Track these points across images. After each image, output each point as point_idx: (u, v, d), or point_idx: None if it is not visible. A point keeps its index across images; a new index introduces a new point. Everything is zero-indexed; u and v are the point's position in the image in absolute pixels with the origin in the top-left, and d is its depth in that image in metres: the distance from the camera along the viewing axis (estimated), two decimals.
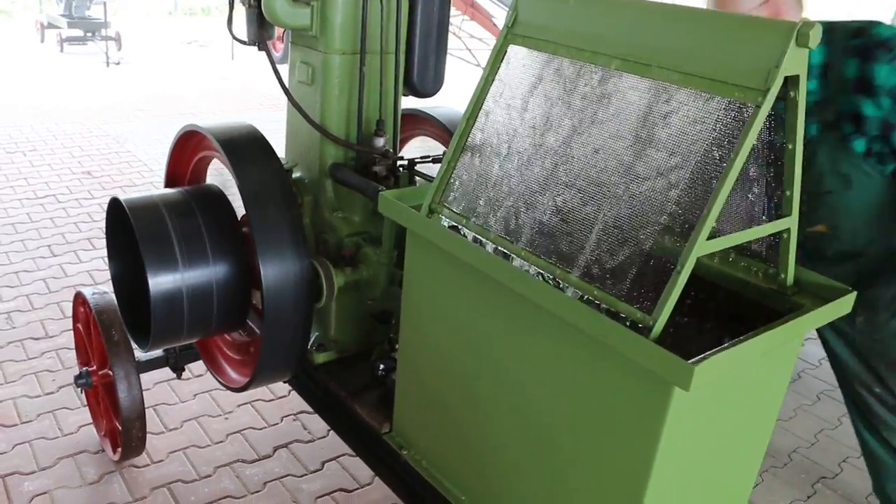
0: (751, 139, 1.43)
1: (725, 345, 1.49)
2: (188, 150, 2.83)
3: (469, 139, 2.02)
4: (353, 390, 2.63)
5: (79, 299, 3.26)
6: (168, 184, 2.98)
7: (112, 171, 7.33)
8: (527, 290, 1.69)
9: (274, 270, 2.35)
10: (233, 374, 2.90)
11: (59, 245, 5.54)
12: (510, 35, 1.97)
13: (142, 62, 13.40)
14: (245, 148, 2.46)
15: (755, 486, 3.45)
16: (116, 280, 2.79)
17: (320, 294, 2.55)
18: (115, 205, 2.57)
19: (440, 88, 2.90)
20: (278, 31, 2.75)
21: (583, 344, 1.63)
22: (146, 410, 3.65)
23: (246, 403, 3.83)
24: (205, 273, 2.46)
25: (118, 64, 12.86)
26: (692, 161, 1.53)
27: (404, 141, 3.40)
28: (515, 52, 1.95)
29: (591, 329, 1.55)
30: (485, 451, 2.02)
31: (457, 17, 10.81)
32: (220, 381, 2.90)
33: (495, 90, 1.98)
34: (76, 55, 13.70)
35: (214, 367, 2.98)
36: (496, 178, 1.92)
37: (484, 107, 1.99)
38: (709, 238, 1.49)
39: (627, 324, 1.53)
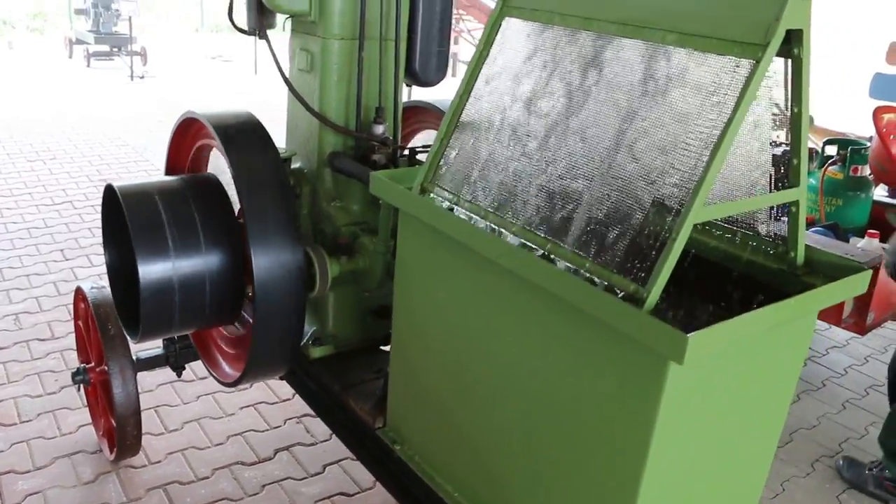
0: (748, 98, 1.34)
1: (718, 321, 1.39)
2: (188, 137, 2.79)
3: (462, 116, 1.95)
4: (347, 384, 2.55)
5: (79, 295, 3.22)
6: (168, 172, 2.94)
7: (129, 180, 7.34)
8: (516, 265, 1.60)
9: (266, 259, 2.28)
10: (227, 369, 2.84)
11: (71, 249, 5.55)
12: (506, 7, 1.90)
13: (166, 76, 13.56)
14: (241, 135, 2.40)
15: (776, 496, 3.34)
16: (111, 270, 2.74)
17: (314, 283, 2.47)
18: (110, 192, 2.52)
19: (443, 77, 2.84)
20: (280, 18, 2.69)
21: (575, 321, 1.53)
22: (147, 412, 3.64)
23: (249, 406, 3.77)
24: (197, 262, 2.40)
25: (142, 78, 13.01)
26: (690, 125, 1.44)
27: (410, 134, 3.34)
28: (510, 25, 1.89)
29: (582, 302, 1.46)
30: (478, 444, 1.93)
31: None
32: (213, 375, 2.83)
33: (489, 65, 1.91)
34: (102, 70, 13.91)
35: (209, 361, 2.91)
36: (489, 154, 1.85)
37: (477, 83, 1.92)
38: (705, 205, 1.39)
39: (620, 296, 1.43)
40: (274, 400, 3.83)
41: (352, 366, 2.68)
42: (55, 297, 4.79)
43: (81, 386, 3.27)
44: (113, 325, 2.90)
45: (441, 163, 1.96)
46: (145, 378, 3.75)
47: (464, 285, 1.88)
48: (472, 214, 1.83)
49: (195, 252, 2.39)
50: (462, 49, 14.52)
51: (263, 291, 2.30)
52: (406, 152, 2.69)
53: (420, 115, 3.22)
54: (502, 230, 1.73)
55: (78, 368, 3.16)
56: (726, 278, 1.81)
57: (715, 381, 1.52)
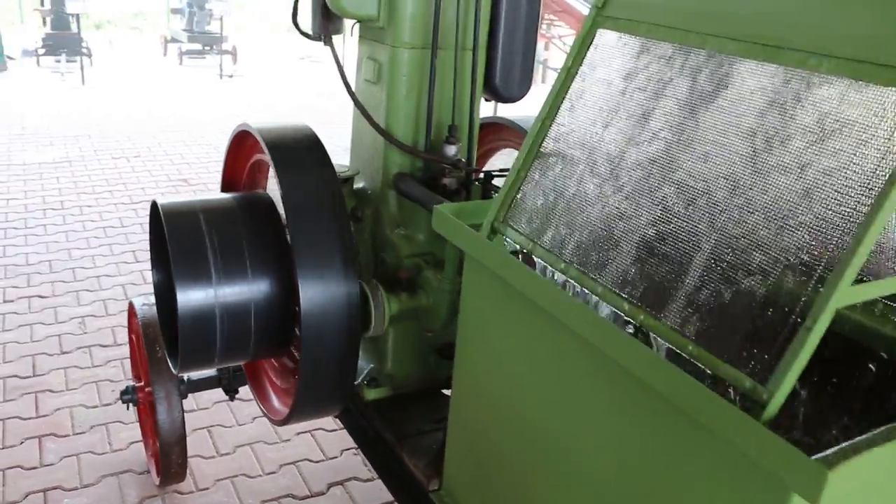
0: None
1: (871, 434, 1.05)
2: (243, 152, 2.58)
3: (544, 144, 1.66)
4: (402, 434, 2.29)
5: (132, 310, 3.06)
6: (224, 188, 2.74)
7: (208, 179, 7.32)
8: (603, 342, 1.30)
9: (315, 291, 2.04)
10: (276, 404, 2.61)
11: (143, 251, 5.48)
12: (599, 17, 1.59)
13: (254, 75, 13.67)
14: (294, 151, 2.17)
15: None
16: (159, 291, 2.55)
17: (369, 322, 2.21)
18: (155, 209, 2.32)
19: (527, 92, 2.55)
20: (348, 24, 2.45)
21: (671, 416, 1.22)
22: (200, 432, 3.48)
23: (306, 432, 3.56)
24: (242, 290, 2.18)
25: (231, 77, 13.14)
26: (835, 175, 1.10)
27: (486, 154, 3.07)
28: (604, 38, 1.58)
29: (681, 399, 1.15)
30: None
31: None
32: (262, 411, 2.61)
33: (578, 85, 1.61)
34: (194, 68, 14.16)
35: (259, 393, 2.69)
36: (574, 192, 1.55)
37: (564, 105, 1.63)
38: (854, 282, 1.06)
39: (732, 394, 1.11)
40: (332, 427, 3.61)
41: (410, 412, 2.43)
42: (122, 301, 4.72)
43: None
44: (161, 347, 2.72)
45: (517, 198, 1.67)
46: (202, 395, 3.59)
47: (536, 346, 1.59)
48: (549, 265, 1.53)
49: (240, 278, 2.17)
50: (552, 55, 14.06)
51: (311, 327, 2.07)
52: (482, 175, 2.43)
53: (499, 133, 2.94)
54: (585, 289, 1.42)
55: (126, 388, 3.02)
56: (862, 358, 1.45)
57: None
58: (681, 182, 1.33)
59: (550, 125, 1.65)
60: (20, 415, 3.50)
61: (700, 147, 1.32)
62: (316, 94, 12.10)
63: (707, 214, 1.26)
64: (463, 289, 1.83)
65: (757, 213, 1.19)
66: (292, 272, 2.19)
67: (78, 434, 3.42)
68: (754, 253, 1.18)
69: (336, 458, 3.39)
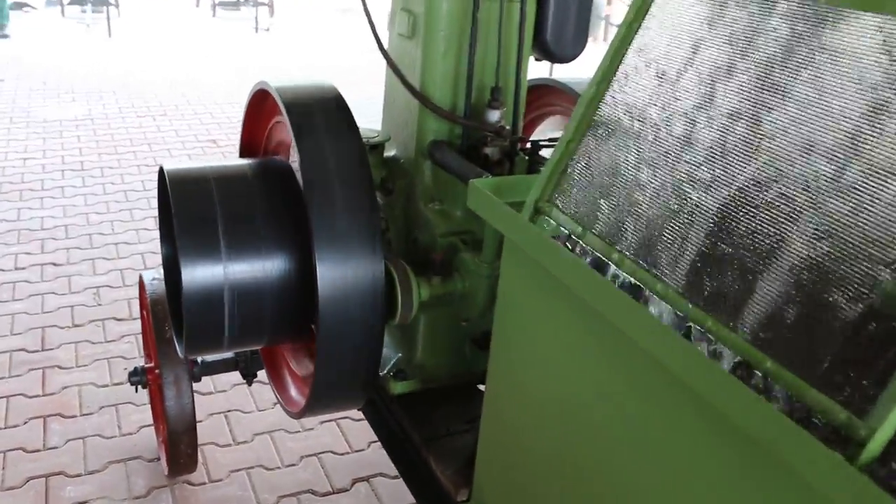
0: None
1: None
2: (263, 113, 2.49)
3: (600, 111, 1.52)
4: (430, 435, 2.20)
5: (142, 284, 3.00)
6: (243, 153, 2.65)
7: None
8: (664, 354, 1.16)
9: (333, 272, 1.95)
10: (294, 394, 2.53)
11: None
12: None
13: (291, 30, 13.60)
14: (316, 113, 2.07)
15: None
16: (168, 267, 2.47)
17: (395, 308, 2.10)
18: (162, 175, 2.24)
19: (582, 51, 2.41)
20: None
21: (742, 447, 1.08)
22: (217, 417, 3.45)
23: (330, 421, 3.50)
24: (256, 267, 2.09)
25: (267, 30, 13.11)
26: None
27: (535, 120, 2.96)
28: None
29: (751, 424, 1.00)
30: None
31: None
32: (279, 400, 2.53)
33: (640, 43, 1.46)
34: (227, 20, 14.16)
35: (276, 381, 2.61)
36: (635, 170, 1.40)
37: (623, 66, 1.48)
38: None
39: (820, 427, 0.97)
40: (360, 416, 3.52)
41: (440, 409, 2.35)
42: (140, 271, 4.69)
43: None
44: (171, 327, 2.65)
45: (566, 174, 1.54)
46: (220, 377, 3.54)
47: (583, 346, 1.46)
48: (600, 255, 1.39)
49: (253, 253, 2.08)
50: (615, 10, 13.71)
51: (329, 311, 1.98)
52: (528, 145, 2.33)
53: (550, 96, 2.81)
54: (643, 286, 1.28)
55: (135, 368, 2.97)
56: None
57: None
58: (769, 163, 1.17)
59: (607, 89, 1.51)
60: (25, 392, 3.50)
61: (788, 123, 1.16)
62: (361, 52, 11.99)
63: (803, 204, 1.11)
64: (501, 276, 1.71)
65: (865, 204, 1.03)
66: (312, 249, 2.10)
67: (86, 415, 3.41)
68: (858, 255, 1.02)
69: (362, 450, 3.33)
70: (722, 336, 1.13)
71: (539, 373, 1.64)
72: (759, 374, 1.06)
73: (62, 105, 8.05)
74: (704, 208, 1.24)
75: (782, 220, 1.11)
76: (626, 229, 1.37)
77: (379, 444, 3.34)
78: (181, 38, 12.31)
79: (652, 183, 1.36)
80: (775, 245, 1.11)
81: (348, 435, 3.41)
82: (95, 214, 5.45)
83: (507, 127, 2.30)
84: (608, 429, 1.44)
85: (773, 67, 1.20)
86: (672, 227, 1.29)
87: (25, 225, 5.20)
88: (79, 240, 5.05)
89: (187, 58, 10.87)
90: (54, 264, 4.71)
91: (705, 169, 1.27)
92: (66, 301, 4.30)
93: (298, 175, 2.14)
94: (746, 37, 1.26)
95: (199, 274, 2.02)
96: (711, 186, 1.24)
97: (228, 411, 3.50)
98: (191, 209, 2.06)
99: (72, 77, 9.31)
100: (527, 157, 2.31)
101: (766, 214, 1.13)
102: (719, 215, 1.21)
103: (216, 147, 7.09)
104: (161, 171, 2.21)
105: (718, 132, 1.26)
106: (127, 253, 4.94)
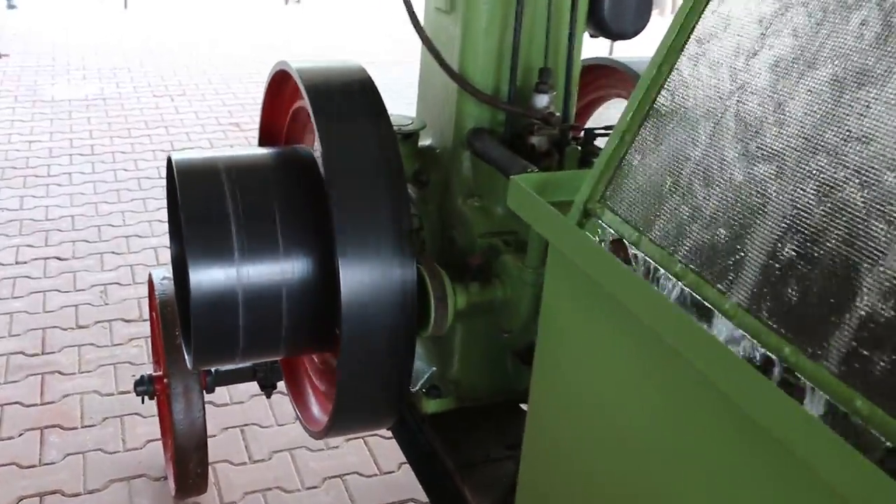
0: None
1: None
2: (284, 96, 2.53)
3: (661, 98, 1.49)
4: (465, 461, 2.21)
5: (151, 283, 3.02)
6: (262, 140, 2.67)
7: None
8: (735, 389, 1.11)
9: (358, 274, 1.97)
10: (316, 411, 2.53)
11: None
12: None
13: (325, 2, 13.69)
14: (341, 98, 2.08)
15: None
16: (176, 267, 2.48)
17: (427, 318, 2.09)
18: (170, 165, 2.24)
19: (644, 27, 2.40)
20: None
21: (820, 492, 1.03)
22: (232, 431, 3.47)
23: (357, 438, 3.51)
24: (273, 270, 2.10)
25: (298, 2, 13.20)
26: None
27: (589, 106, 2.97)
28: None
29: (838, 478, 0.95)
30: None
31: None
32: (299, 419, 2.53)
33: (707, 24, 1.43)
34: None
35: (296, 396, 2.63)
36: (701, 167, 1.36)
37: (686, 50, 1.46)
38: None
39: None
40: (390, 434, 3.52)
41: (478, 432, 2.36)
42: (152, 268, 4.75)
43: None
44: (180, 333, 2.66)
45: (620, 171, 1.50)
46: (237, 387, 3.57)
47: (637, 369, 1.43)
48: (658, 265, 1.34)
49: (269, 254, 2.09)
50: None
51: (354, 319, 2.01)
52: (581, 134, 2.34)
53: (608, 78, 2.81)
54: (707, 304, 1.23)
55: (142, 377, 3.01)
56: None
57: None
58: (852, 163, 1.11)
59: (669, 72, 1.47)
60: (22, 400, 3.57)
61: (880, 116, 1.10)
62: (402, 23, 12.04)
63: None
64: (545, 285, 1.68)
65: None
66: (334, 248, 2.10)
67: (87, 427, 3.47)
68: None
69: (392, 472, 3.35)
70: (805, 369, 1.07)
71: (588, 394, 1.62)
72: (850, 415, 1.00)
73: (72, 83, 8.21)
74: (786, 213, 1.19)
75: (878, 232, 1.05)
76: (690, 237, 1.33)
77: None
78: (203, 10, 12.46)
79: (721, 183, 1.31)
80: (872, 263, 1.05)
81: (377, 454, 3.43)
82: (105, 204, 5.55)
83: (557, 113, 2.29)
84: (665, 461, 1.41)
85: (853, 52, 1.14)
86: (745, 234, 1.24)
87: (29, 214, 5.30)
88: (86, 232, 5.14)
89: (210, 32, 11.01)
90: (58, 258, 4.79)
91: (784, 169, 1.21)
92: (69, 299, 4.38)
93: (321, 166, 2.14)
94: (826, 20, 1.20)
95: (210, 276, 2.03)
96: (794, 188, 1.19)
97: (245, 425, 3.53)
98: (200, 204, 2.07)
99: (83, 52, 9.49)
100: (579, 148, 2.30)
101: (865, 226, 1.07)
102: (806, 223, 1.15)
103: (239, 131, 7.16)
104: (169, 161, 2.22)
105: (798, 127, 1.21)
106: (138, 247, 5.01)
